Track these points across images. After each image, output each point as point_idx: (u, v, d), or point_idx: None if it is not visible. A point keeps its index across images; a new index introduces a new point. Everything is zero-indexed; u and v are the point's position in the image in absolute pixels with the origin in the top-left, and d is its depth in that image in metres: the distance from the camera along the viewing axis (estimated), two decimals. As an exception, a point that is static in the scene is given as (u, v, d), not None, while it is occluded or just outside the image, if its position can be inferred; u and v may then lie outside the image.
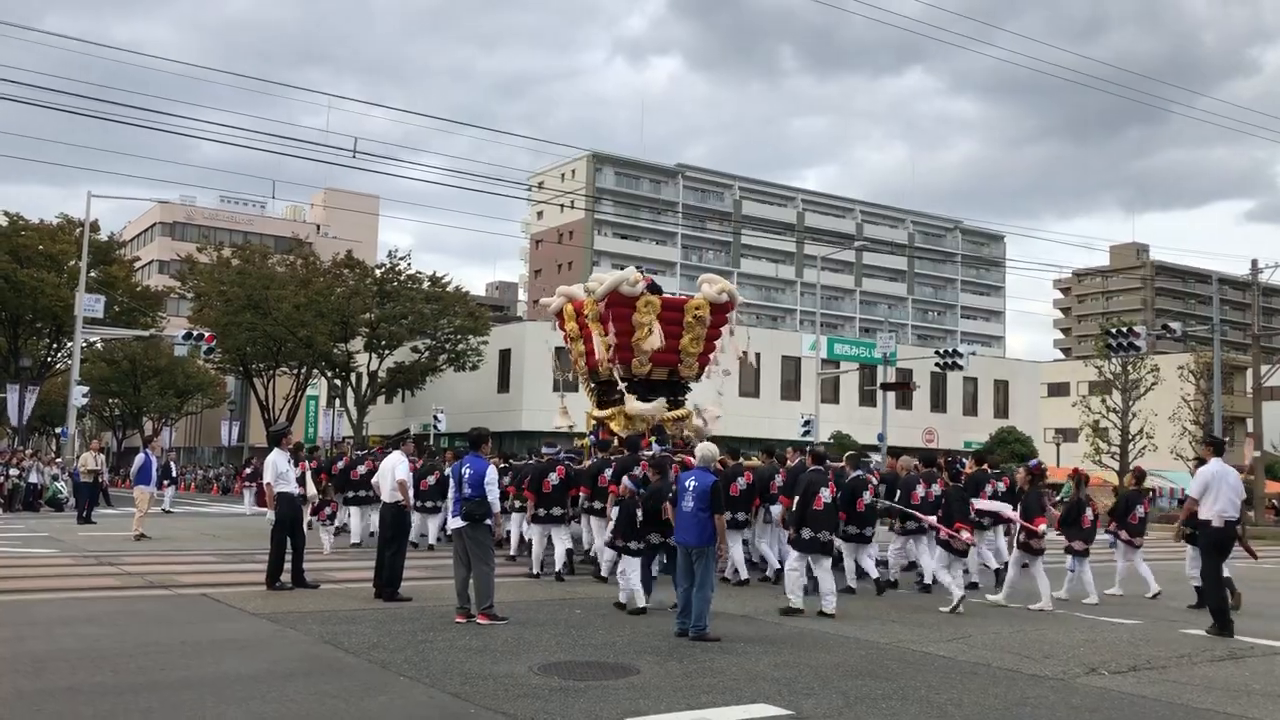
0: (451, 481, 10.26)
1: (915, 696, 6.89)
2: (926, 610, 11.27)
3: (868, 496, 12.37)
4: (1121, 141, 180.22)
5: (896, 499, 13.06)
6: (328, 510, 15.89)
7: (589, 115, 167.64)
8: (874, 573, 12.65)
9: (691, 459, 13.11)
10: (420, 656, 7.82)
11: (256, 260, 48.87)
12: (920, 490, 12.85)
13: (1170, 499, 53.48)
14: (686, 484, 9.31)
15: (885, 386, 38.92)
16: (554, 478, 13.67)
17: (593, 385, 17.85)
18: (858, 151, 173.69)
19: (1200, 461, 11.01)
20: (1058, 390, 62.69)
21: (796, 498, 10.80)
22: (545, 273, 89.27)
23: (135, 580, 12.32)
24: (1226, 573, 11.24)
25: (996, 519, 13.63)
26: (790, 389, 46.68)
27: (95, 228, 43.32)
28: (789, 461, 14.10)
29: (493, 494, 9.75)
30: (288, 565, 11.68)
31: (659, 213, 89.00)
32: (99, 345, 53.47)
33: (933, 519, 12.08)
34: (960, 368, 38.96)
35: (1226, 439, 18.73)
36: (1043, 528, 11.63)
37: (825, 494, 10.59)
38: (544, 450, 15.09)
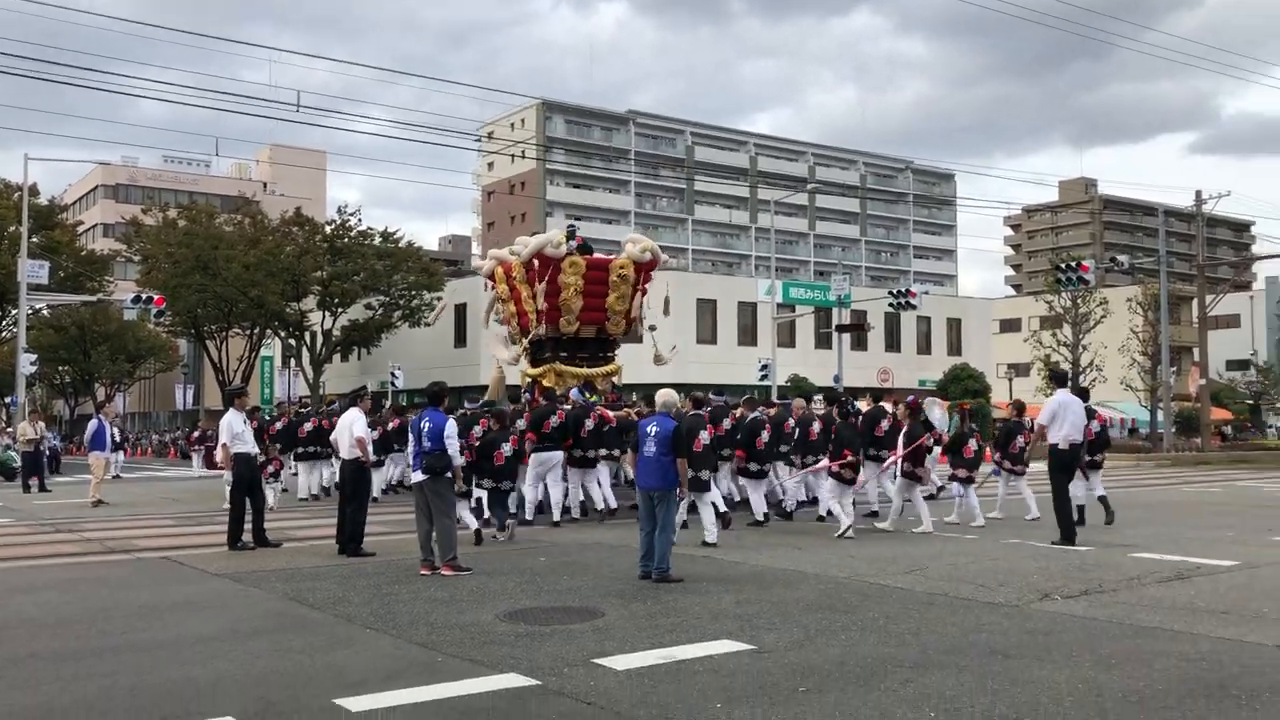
0: (411, 436, 10.27)
1: (873, 627, 7.04)
2: (884, 545, 11.48)
3: (765, 435, 13.58)
4: (1068, 77, 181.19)
5: (795, 436, 14.00)
6: (270, 468, 15.93)
7: (537, 63, 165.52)
8: (762, 507, 13.61)
9: (609, 412, 14.47)
10: (385, 609, 7.85)
11: (203, 220, 48.04)
12: (816, 427, 13.68)
13: (1121, 429, 54.66)
14: (648, 429, 9.37)
15: (840, 328, 39.25)
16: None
17: (526, 345, 18.24)
18: (809, 94, 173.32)
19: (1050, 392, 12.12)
20: (1010, 326, 63.54)
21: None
22: (498, 225, 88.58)
23: (94, 546, 12.23)
24: (1101, 491, 13.31)
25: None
26: (747, 334, 46.90)
27: (35, 192, 42.35)
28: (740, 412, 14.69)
29: (452, 447, 9.79)
30: (249, 525, 11.64)
31: (611, 161, 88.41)
32: (45, 312, 52.37)
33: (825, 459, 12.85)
34: (913, 307, 39.33)
35: (1071, 371, 19.37)
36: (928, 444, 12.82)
37: (704, 436, 11.00)
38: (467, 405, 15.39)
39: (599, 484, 14.38)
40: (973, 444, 13.93)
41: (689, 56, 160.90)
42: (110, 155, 79.67)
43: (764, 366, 38.73)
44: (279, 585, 9.05)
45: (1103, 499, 13.46)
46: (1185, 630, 6.87)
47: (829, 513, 13.16)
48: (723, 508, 13.00)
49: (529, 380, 17.73)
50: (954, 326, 54.32)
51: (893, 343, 51.18)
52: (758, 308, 45.21)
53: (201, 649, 6.62)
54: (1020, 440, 14.24)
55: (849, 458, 12.33)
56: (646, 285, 18.55)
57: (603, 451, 14.29)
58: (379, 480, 17.29)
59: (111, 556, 11.40)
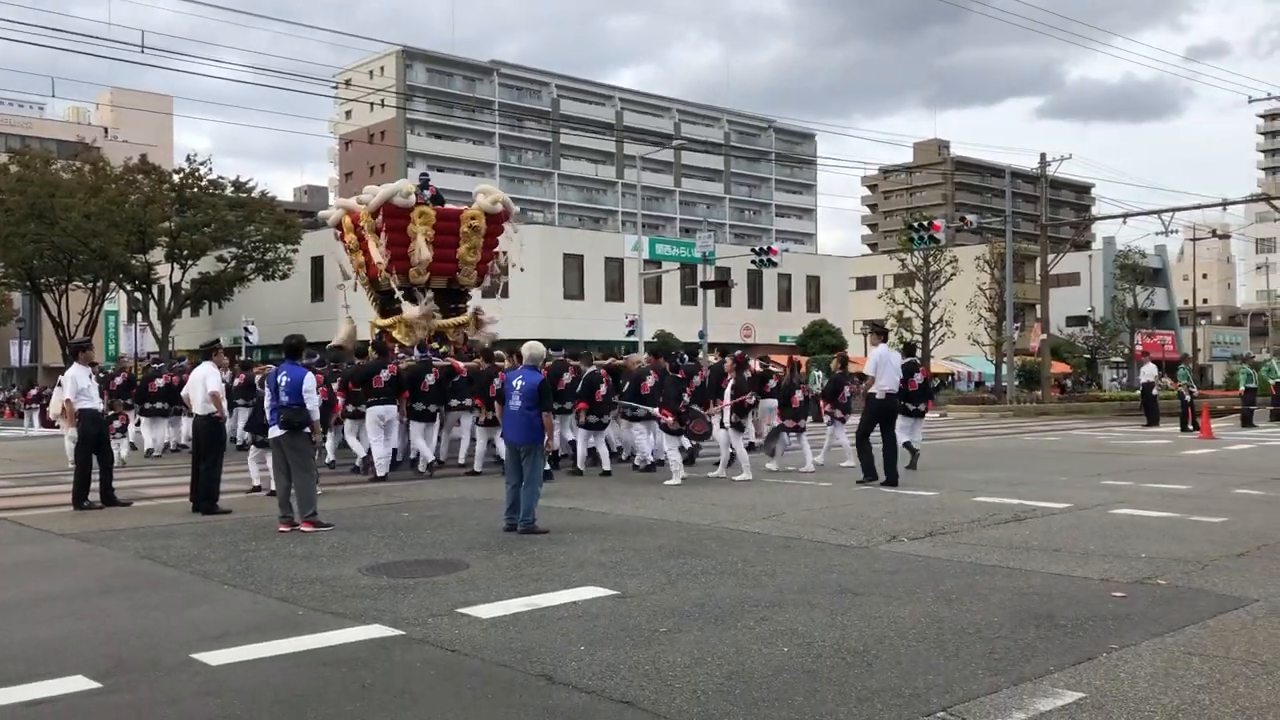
0: (268, 390, 10.03)
1: (732, 570, 7.28)
2: (744, 494, 11.82)
3: (603, 389, 14.25)
4: (925, 40, 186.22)
5: (626, 389, 14.44)
6: (117, 424, 15.41)
7: (396, 8, 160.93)
8: (605, 455, 14.38)
9: (459, 363, 14.93)
10: (244, 565, 7.72)
11: (38, 166, 45.26)
12: (649, 381, 14.13)
13: (969, 382, 57.11)
14: (514, 383, 9.38)
15: (705, 285, 39.70)
16: (386, 375, 14.09)
17: (375, 295, 18.17)
18: (674, 51, 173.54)
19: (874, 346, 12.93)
20: (866, 284, 65.48)
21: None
22: (357, 175, 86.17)
23: (-76, 508, 11.59)
24: (908, 438, 14.12)
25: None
26: (614, 290, 47.06)
27: None
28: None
29: (311, 401, 9.61)
30: (95, 484, 11.21)
31: (474, 111, 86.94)
32: None
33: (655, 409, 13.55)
34: (774, 265, 40.05)
35: (891, 329, 20.80)
36: (750, 401, 13.89)
37: (603, 389, 12.76)
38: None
39: (432, 439, 14.67)
40: (798, 394, 14.89)
41: (553, 7, 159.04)
42: (-69, 94, 74.19)
43: (631, 322, 38.97)
44: (130, 544, 8.78)
45: (908, 444, 14.23)
46: (1019, 567, 7.32)
47: (660, 462, 14.04)
48: (606, 458, 14.22)
49: (378, 331, 17.59)
50: (813, 284, 55.62)
51: (755, 299, 52.10)
52: (625, 264, 45.37)
53: (48, 609, 6.41)
54: (847, 391, 15.25)
55: (667, 415, 13.13)
56: (498, 238, 18.52)
57: (454, 403, 14.71)
58: (163, 438, 18.20)
59: (-55, 519, 10.83)
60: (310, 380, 9.71)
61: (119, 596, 6.74)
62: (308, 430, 9.67)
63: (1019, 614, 5.94)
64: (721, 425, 13.64)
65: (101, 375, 18.06)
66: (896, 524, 9.37)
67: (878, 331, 13.31)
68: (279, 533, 9.25)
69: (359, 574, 7.33)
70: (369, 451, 14.20)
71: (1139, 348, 53.75)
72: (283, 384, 9.59)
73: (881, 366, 12.43)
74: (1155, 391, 26.06)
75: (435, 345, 16.62)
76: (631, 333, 38.18)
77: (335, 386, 13.76)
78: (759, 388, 15.23)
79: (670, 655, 5.15)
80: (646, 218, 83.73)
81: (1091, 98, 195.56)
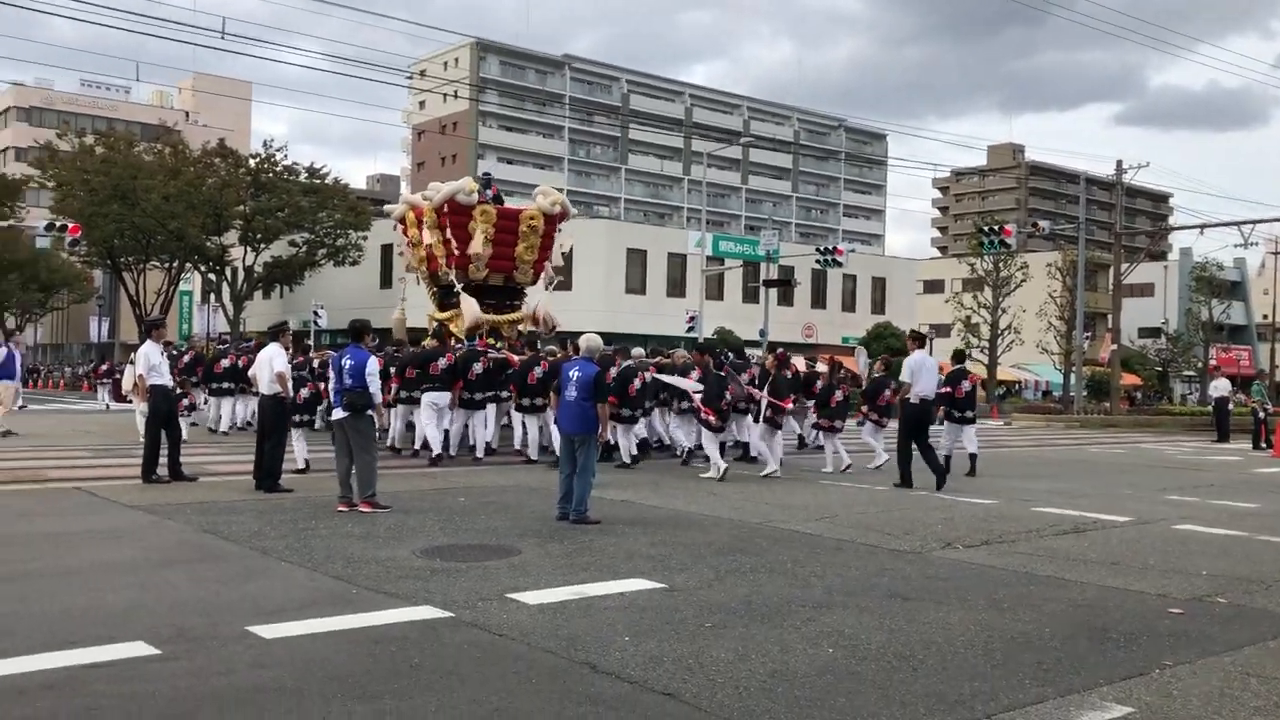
0: (332, 372, 10.22)
1: (781, 569, 7.27)
2: (798, 494, 11.78)
3: (637, 383, 14.27)
4: (1001, 42, 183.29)
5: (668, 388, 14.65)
6: (185, 401, 15.83)
7: (473, 1, 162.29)
8: (633, 450, 14.53)
9: (513, 356, 15.22)
10: (302, 543, 7.88)
11: (122, 148, 46.57)
12: (693, 376, 14.21)
13: (1035, 391, 56.18)
14: (570, 373, 9.45)
15: (767, 283, 39.57)
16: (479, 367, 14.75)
17: (434, 289, 18.59)
18: (746, 47, 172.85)
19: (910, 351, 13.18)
20: (933, 287, 64.69)
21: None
22: (428, 165, 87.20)
23: (1, 475, 11.98)
24: (965, 444, 14.27)
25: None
26: (676, 286, 47.07)
27: (-59, 110, 40.58)
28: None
29: (374, 385, 9.78)
30: (164, 459, 11.51)
31: (545, 105, 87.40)
32: (-49, 236, 50.53)
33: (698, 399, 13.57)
34: (839, 265, 39.80)
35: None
36: (790, 406, 13.85)
37: (636, 382, 13.00)
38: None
39: (485, 425, 15.02)
40: (838, 395, 15.02)
41: (626, 2, 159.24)
42: (22, 75, 76.63)
43: (691, 318, 38.98)
44: (195, 518, 9.01)
45: (973, 456, 14.46)
46: (1076, 579, 7.21)
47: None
48: (633, 451, 14.43)
49: (436, 324, 18.00)
50: (879, 285, 55.12)
51: (819, 299, 51.78)
52: (687, 259, 45.39)
53: (115, 577, 6.60)
54: (887, 394, 15.05)
55: (710, 414, 13.24)
56: (554, 237, 18.86)
57: (504, 395, 15.07)
58: (230, 416, 18.63)
59: (19, 486, 11.20)
60: (373, 364, 9.88)
61: (181, 568, 6.93)
62: (370, 412, 9.84)
63: (1071, 626, 5.85)
64: (756, 420, 13.79)
65: (172, 354, 18.59)
66: (952, 531, 9.27)
67: (915, 338, 13.68)
68: (337, 512, 9.42)
69: (413, 556, 7.45)
70: (424, 436, 14.57)
71: (1213, 362, 52.47)
72: (346, 367, 9.76)
73: (918, 372, 12.62)
74: (1230, 407, 25.43)
75: (491, 340, 16.89)
76: (691, 328, 38.17)
77: (393, 371, 14.16)
78: (807, 389, 15.29)
79: (714, 650, 5.17)
80: (712, 214, 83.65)
81: (1173, 104, 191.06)
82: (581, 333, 10.43)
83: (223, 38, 21.77)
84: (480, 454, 14.68)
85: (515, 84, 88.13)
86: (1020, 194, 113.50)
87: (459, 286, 17.64)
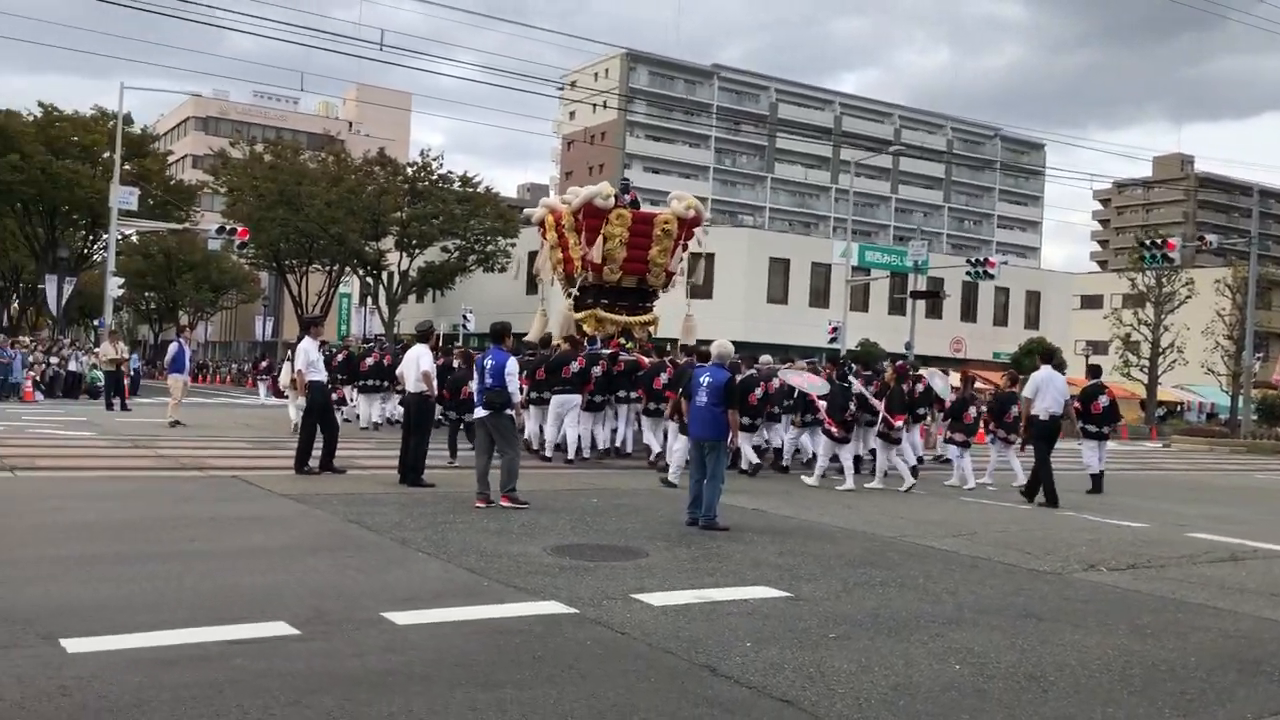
0: (475, 373, 10.54)
1: (912, 584, 7.12)
2: (935, 509, 11.50)
3: (759, 392, 14.23)
4: (1171, 48, 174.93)
5: (795, 396, 14.65)
6: (335, 398, 16.59)
7: (623, 12, 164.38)
8: (753, 458, 14.45)
9: (644, 358, 15.41)
10: (440, 536, 8.12)
11: (289, 156, 48.93)
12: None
13: (1199, 413, 53.33)
14: (701, 379, 9.48)
15: (915, 295, 38.77)
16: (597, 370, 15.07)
17: (571, 291, 18.82)
18: (900, 54, 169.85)
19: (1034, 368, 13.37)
20: (1091, 302, 62.14)
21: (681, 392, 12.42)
22: (576, 174, 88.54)
23: (168, 462, 12.74)
24: (1091, 460, 14.36)
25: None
26: (819, 296, 46.54)
27: (129, 120, 43.42)
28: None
29: (512, 385, 10.03)
30: (316, 451, 12.01)
31: (693, 115, 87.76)
32: (134, 238, 53.97)
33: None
34: (991, 277, 38.69)
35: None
36: (899, 423, 13.46)
37: (757, 391, 12.51)
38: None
39: (603, 426, 15.43)
40: (972, 411, 14.91)
41: (778, 10, 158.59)
42: (201, 86, 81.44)
43: (834, 329, 38.48)
44: (340, 508, 9.39)
45: (1096, 475, 14.34)
46: (1229, 609, 6.83)
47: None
48: (753, 459, 14.42)
49: (571, 322, 18.33)
50: (1033, 299, 53.31)
51: (969, 312, 50.41)
52: (831, 269, 44.82)
53: (263, 560, 6.95)
54: (1014, 410, 14.48)
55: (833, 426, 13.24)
56: (688, 241, 19.06)
57: (621, 394, 15.27)
58: (375, 413, 19.13)
59: (183, 473, 11.89)
60: (513, 364, 10.13)
61: (324, 555, 7.23)
62: (509, 411, 10.10)
63: (1220, 656, 5.55)
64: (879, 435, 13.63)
65: (328, 352, 19.46)
66: (1097, 553, 8.90)
67: (1042, 354, 13.96)
68: (475, 508, 9.67)
69: (543, 553, 7.59)
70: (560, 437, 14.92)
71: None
72: (488, 367, 10.07)
73: (1044, 388, 12.67)
74: None
75: (622, 341, 17.21)
76: (834, 339, 37.68)
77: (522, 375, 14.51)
78: (935, 402, 15.18)
79: (836, 660, 5.10)
80: (859, 224, 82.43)
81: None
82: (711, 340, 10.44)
83: (380, 49, 22.86)
84: (571, 456, 14.68)
85: (663, 94, 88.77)
86: (1188, 207, 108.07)
87: (573, 290, 18.26)
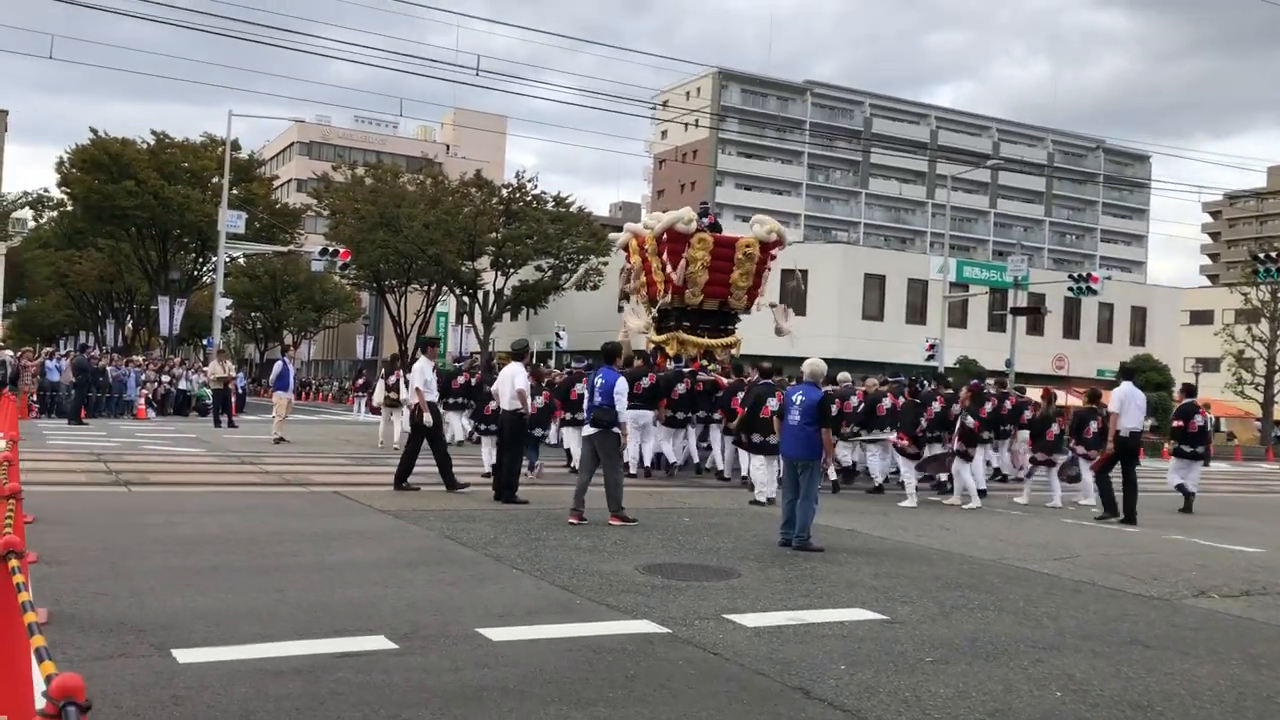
0: (586, 391, 10.84)
1: (1012, 608, 6.95)
2: (1038, 532, 11.23)
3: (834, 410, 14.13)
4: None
5: (859, 409, 15.01)
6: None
7: (716, 30, 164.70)
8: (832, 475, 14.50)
9: (723, 378, 15.71)
10: (533, 553, 8.21)
11: (388, 179, 50.10)
12: (886, 403, 14.69)
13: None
14: (794, 398, 9.43)
15: (1015, 311, 37.92)
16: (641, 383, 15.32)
17: (654, 313, 19.22)
18: (997, 67, 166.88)
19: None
20: (1200, 318, 60.01)
21: (747, 408, 13.08)
22: (668, 193, 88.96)
23: (273, 478, 13.13)
24: (1182, 480, 14.57)
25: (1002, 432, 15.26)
26: (916, 312, 45.78)
27: (236, 146, 44.97)
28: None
29: (620, 404, 10.23)
30: (427, 469, 12.21)
31: (785, 131, 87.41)
32: (241, 260, 55.79)
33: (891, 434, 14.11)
34: (1094, 293, 37.66)
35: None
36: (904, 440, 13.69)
37: (772, 403, 12.18)
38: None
39: (684, 444, 15.85)
40: (1055, 428, 14.71)
41: (872, 25, 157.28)
42: (304, 113, 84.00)
43: (931, 346, 37.85)
44: (437, 524, 9.56)
45: (1181, 487, 14.61)
46: (1351, 639, 6.52)
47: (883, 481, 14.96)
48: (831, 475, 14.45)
49: (653, 346, 18.92)
50: (1139, 315, 51.67)
51: (1071, 329, 49.07)
52: (928, 285, 44.09)
53: (361, 574, 7.11)
54: (1093, 426, 14.38)
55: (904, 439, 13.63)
56: (770, 264, 19.40)
57: (701, 414, 15.55)
58: (461, 428, 19.36)
59: (288, 488, 12.24)
60: (621, 384, 10.36)
61: (421, 570, 7.37)
62: (615, 430, 10.24)
63: (1341, 690, 5.30)
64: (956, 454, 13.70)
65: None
66: (1208, 579, 8.59)
67: (1124, 372, 14.10)
68: (569, 524, 9.75)
69: (635, 571, 7.62)
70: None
71: None
72: (597, 385, 10.33)
73: (1125, 405, 12.85)
74: None
75: (704, 363, 17.48)
76: (931, 357, 37.06)
77: None
78: (1016, 419, 15.15)
79: (933, 685, 5.02)
80: (957, 239, 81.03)
81: None
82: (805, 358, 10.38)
83: (477, 74, 23.19)
84: (635, 470, 14.98)
85: (755, 111, 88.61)
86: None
87: (654, 312, 18.82)
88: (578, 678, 4.90)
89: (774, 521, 9.85)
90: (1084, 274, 38.43)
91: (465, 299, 51.00)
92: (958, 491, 13.65)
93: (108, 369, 26.74)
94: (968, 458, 13.60)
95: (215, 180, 43.68)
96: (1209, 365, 48.52)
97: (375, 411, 19.01)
